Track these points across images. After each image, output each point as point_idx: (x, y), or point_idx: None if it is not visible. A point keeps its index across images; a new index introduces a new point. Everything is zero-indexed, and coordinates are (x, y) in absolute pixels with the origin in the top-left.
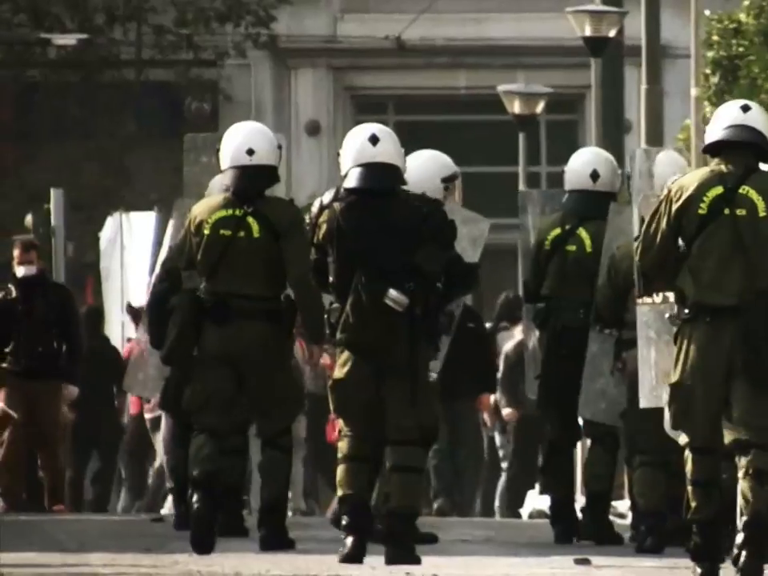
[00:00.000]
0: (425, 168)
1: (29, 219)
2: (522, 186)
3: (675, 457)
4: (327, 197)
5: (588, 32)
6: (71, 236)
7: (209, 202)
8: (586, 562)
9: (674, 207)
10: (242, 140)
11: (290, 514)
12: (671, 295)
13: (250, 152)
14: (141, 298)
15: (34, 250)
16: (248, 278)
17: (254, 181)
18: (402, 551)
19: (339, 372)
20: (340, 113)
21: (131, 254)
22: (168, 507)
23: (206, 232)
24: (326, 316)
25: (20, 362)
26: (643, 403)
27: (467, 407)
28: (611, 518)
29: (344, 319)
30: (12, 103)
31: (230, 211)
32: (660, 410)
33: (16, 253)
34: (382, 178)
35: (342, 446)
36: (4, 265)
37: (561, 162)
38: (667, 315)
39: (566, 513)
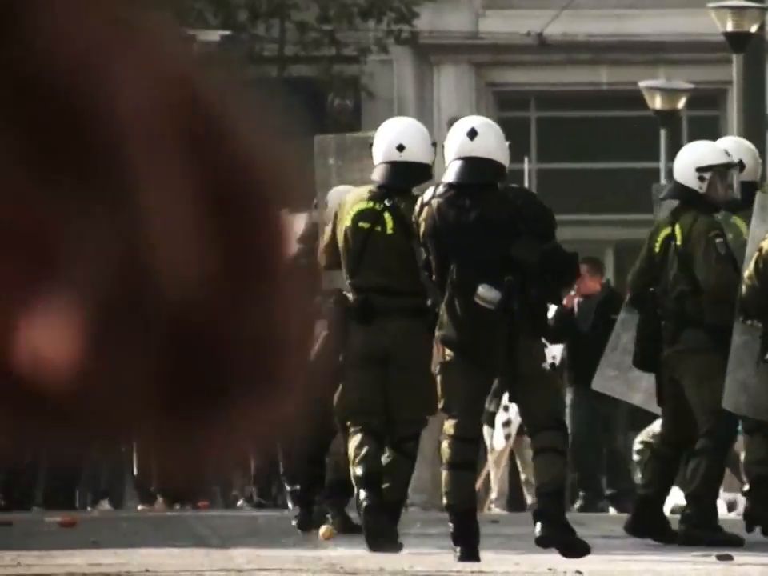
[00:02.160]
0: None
1: None
2: (663, 182)
3: None
4: (428, 194)
5: (729, 27)
6: None
7: (354, 194)
8: (728, 558)
9: None
10: (393, 136)
11: None
12: None
13: (401, 148)
14: None
15: None
16: (388, 273)
17: (401, 177)
18: (552, 528)
19: (443, 370)
20: (482, 109)
21: None
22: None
23: (347, 223)
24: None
25: None
26: None
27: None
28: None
29: (441, 317)
30: None
31: (371, 204)
32: None
33: None
34: (478, 173)
35: (445, 451)
36: None
37: None
38: None
39: None
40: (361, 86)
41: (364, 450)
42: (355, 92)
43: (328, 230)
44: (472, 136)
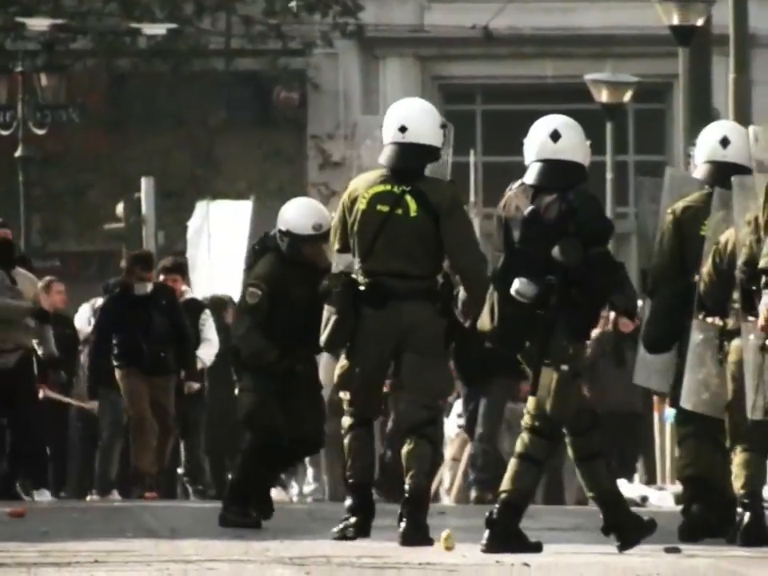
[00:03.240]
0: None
1: (120, 208)
2: (609, 175)
3: None
4: (508, 190)
5: (675, 21)
6: (162, 224)
7: (366, 177)
8: (675, 550)
9: None
10: (397, 117)
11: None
12: None
13: (403, 129)
14: (229, 288)
15: (153, 267)
16: (405, 256)
17: (405, 158)
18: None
19: None
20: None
21: (217, 242)
22: None
23: (362, 207)
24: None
25: (142, 362)
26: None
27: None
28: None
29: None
30: (103, 93)
31: (388, 187)
32: None
33: (134, 268)
34: (561, 176)
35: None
36: (93, 254)
37: (648, 151)
38: None
39: None
40: (307, 79)
41: (359, 462)
42: (301, 85)
43: (336, 214)
44: (555, 138)
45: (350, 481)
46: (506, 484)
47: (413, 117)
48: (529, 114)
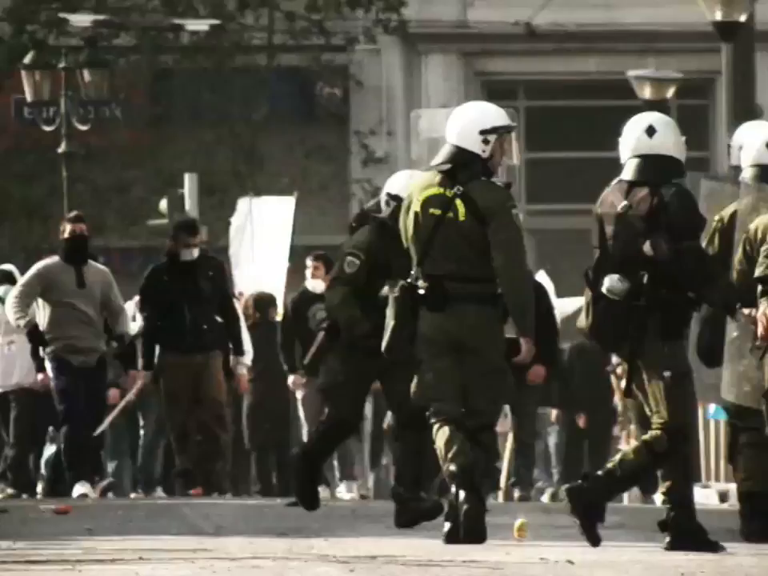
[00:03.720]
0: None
1: (163, 204)
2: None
3: None
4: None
5: (719, 17)
6: (204, 220)
7: (423, 179)
8: (720, 548)
9: None
10: (450, 120)
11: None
12: None
13: (449, 132)
14: (273, 285)
15: (199, 231)
16: (459, 259)
17: (450, 160)
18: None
19: None
20: (470, 98)
21: (261, 238)
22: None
23: (416, 209)
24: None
25: (185, 340)
26: None
27: None
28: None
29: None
30: (146, 89)
31: (441, 190)
32: None
33: (179, 235)
34: (657, 171)
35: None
36: (137, 250)
37: (691, 148)
38: None
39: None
40: (349, 75)
41: (455, 447)
42: (344, 81)
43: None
44: (650, 133)
45: (450, 469)
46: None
47: (459, 119)
48: (572, 110)
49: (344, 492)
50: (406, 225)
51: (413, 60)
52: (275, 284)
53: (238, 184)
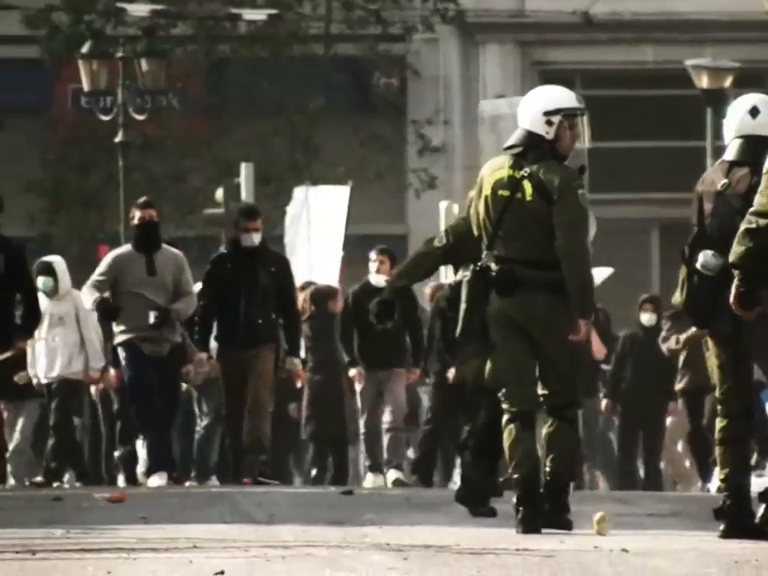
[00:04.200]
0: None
1: (219, 193)
2: (709, 161)
3: None
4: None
5: None
6: (260, 210)
7: (493, 162)
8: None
9: None
10: (522, 103)
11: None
12: None
13: (516, 116)
14: (327, 275)
15: (259, 216)
16: (527, 241)
17: (518, 143)
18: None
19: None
20: (527, 88)
21: (317, 228)
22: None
23: (486, 192)
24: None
25: (238, 333)
26: None
27: None
28: None
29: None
30: (203, 78)
31: (510, 172)
32: None
33: (238, 220)
34: (758, 151)
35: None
36: (193, 239)
37: None
38: None
39: None
40: (406, 65)
41: (519, 453)
42: (401, 70)
43: (470, 198)
44: (754, 114)
45: (514, 477)
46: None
47: (525, 102)
48: (628, 99)
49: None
50: (477, 209)
51: (470, 49)
52: (329, 273)
53: (294, 173)
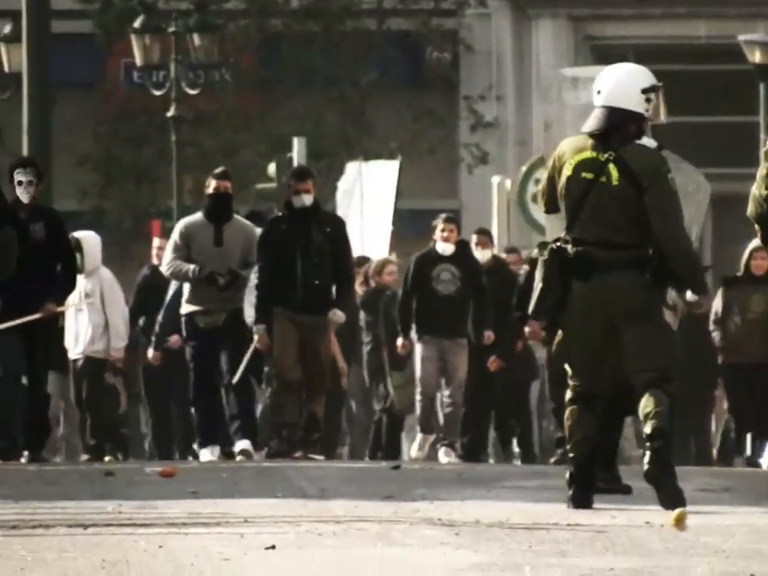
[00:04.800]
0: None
1: (272, 168)
2: (762, 136)
3: None
4: None
5: None
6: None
7: (574, 142)
8: None
9: None
10: (603, 81)
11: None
12: None
13: (604, 93)
14: (379, 249)
15: (310, 178)
16: (609, 225)
17: (605, 123)
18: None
19: None
20: (580, 63)
21: (370, 203)
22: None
23: (568, 173)
24: None
25: (295, 296)
26: None
27: None
28: None
29: None
30: (255, 53)
31: (594, 154)
32: None
33: (290, 182)
34: None
35: None
36: (244, 213)
37: None
38: None
39: None
40: (459, 40)
41: (580, 434)
42: (453, 46)
43: (545, 176)
44: None
45: (570, 455)
46: None
47: (614, 80)
48: (681, 74)
49: (442, 457)
50: (557, 186)
51: (523, 24)
52: (379, 247)
53: (346, 148)
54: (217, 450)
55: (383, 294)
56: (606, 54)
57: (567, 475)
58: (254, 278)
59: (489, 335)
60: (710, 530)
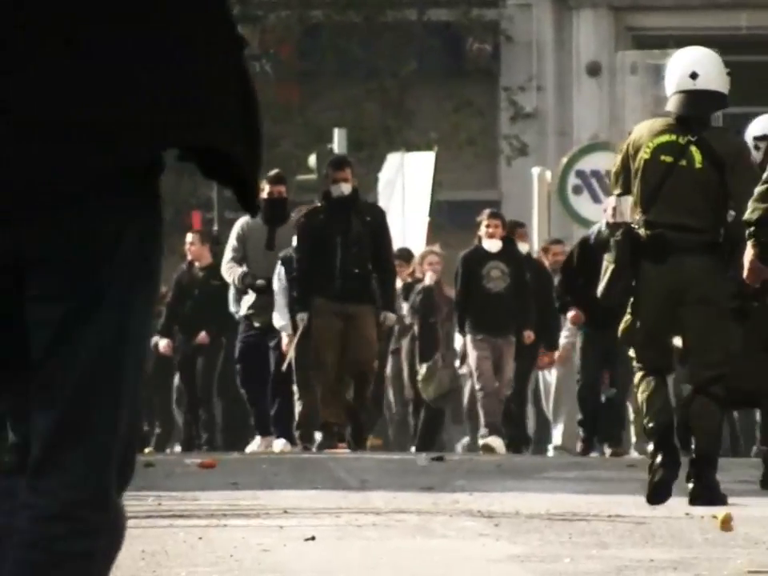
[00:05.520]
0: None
1: (312, 159)
2: None
3: None
4: None
5: None
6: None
7: (651, 125)
8: None
9: None
10: (686, 64)
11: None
12: None
13: (694, 76)
14: (417, 240)
15: (348, 167)
16: (687, 209)
17: (696, 106)
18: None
19: None
20: (621, 53)
21: (410, 194)
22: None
23: (645, 156)
24: None
25: (335, 285)
26: None
27: None
28: None
29: None
30: (295, 43)
31: (673, 137)
32: None
33: (328, 171)
34: None
35: None
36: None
37: None
38: None
39: None
40: (500, 30)
41: (657, 404)
42: (494, 36)
43: (618, 158)
44: None
45: (649, 426)
46: None
47: (702, 63)
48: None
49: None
50: (632, 169)
51: (563, 15)
52: (417, 238)
53: (387, 139)
54: (283, 441)
55: (417, 284)
56: (647, 45)
57: (650, 447)
58: (277, 285)
59: (529, 335)
60: (749, 521)
